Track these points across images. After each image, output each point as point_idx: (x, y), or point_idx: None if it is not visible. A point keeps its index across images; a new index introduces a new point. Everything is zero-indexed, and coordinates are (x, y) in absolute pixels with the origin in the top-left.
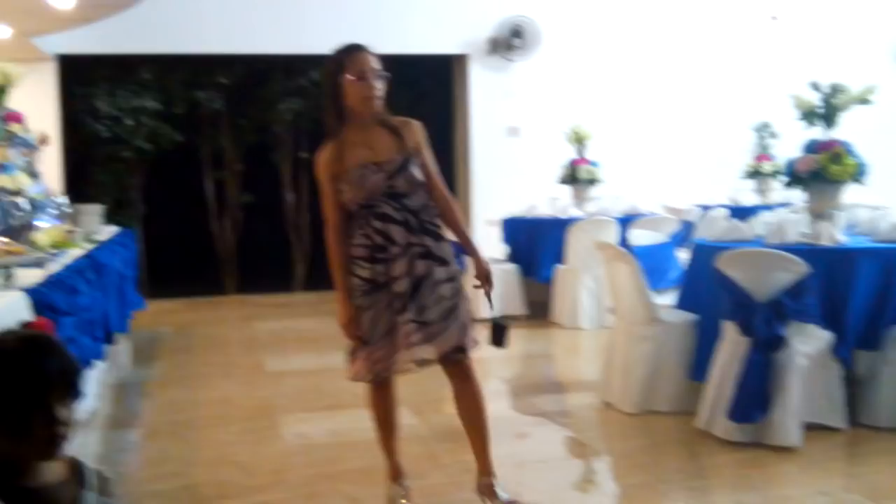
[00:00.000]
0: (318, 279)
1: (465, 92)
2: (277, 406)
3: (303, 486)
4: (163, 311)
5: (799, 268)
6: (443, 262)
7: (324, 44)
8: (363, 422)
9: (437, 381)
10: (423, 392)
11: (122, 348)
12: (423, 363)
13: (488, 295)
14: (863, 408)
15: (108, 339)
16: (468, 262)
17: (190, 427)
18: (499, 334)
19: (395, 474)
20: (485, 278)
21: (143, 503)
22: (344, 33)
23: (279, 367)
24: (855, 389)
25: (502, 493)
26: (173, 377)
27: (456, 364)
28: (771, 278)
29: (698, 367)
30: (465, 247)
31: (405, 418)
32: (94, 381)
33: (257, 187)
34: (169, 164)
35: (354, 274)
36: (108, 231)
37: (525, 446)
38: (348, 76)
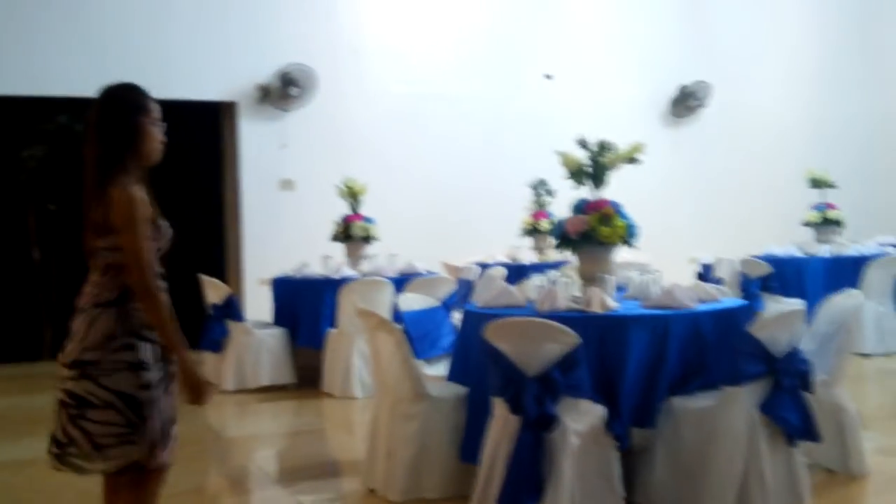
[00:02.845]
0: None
1: (235, 142)
2: None
3: None
4: None
5: (569, 339)
6: None
7: (74, 86)
8: None
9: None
10: None
11: None
12: None
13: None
14: (638, 486)
15: None
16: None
17: None
18: None
19: None
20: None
21: None
22: (99, 75)
23: None
24: (630, 466)
25: None
26: None
27: None
28: (540, 350)
29: (470, 447)
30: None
31: None
32: None
33: None
34: None
35: (150, 340)
36: None
37: None
38: (150, 119)
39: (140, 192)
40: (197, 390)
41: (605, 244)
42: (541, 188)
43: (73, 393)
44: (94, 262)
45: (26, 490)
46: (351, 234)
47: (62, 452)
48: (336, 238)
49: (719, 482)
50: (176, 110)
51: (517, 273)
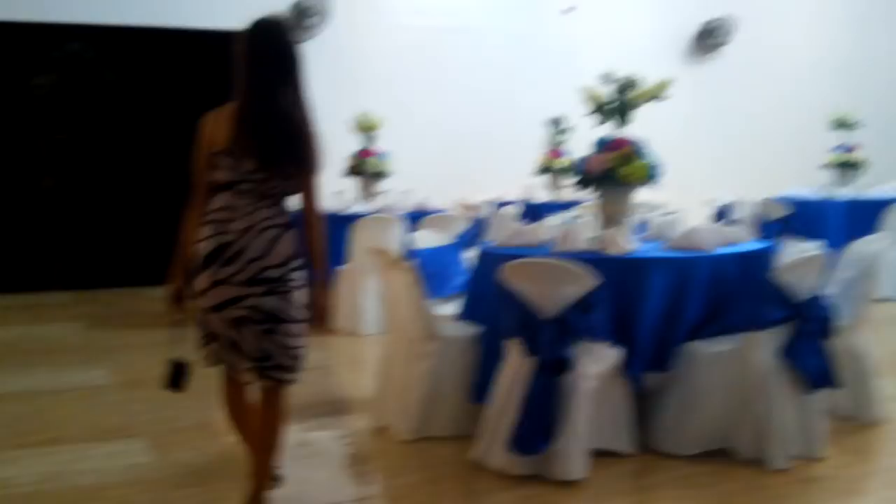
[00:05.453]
0: (78, 276)
1: None
2: None
3: None
4: None
5: (587, 280)
6: None
7: (85, 13)
8: (87, 461)
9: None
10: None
11: None
12: None
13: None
14: (651, 430)
15: None
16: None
17: None
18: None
19: None
20: None
21: None
22: (110, 1)
23: None
24: (644, 409)
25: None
26: None
27: None
28: (557, 292)
29: (481, 387)
30: None
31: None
32: None
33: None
34: None
35: None
36: None
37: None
38: None
39: None
40: (326, 314)
41: (626, 184)
42: (557, 126)
43: (260, 308)
44: (257, 189)
45: (34, 421)
46: (363, 169)
47: (259, 366)
48: (348, 173)
49: (735, 427)
50: (186, 39)
51: (531, 212)
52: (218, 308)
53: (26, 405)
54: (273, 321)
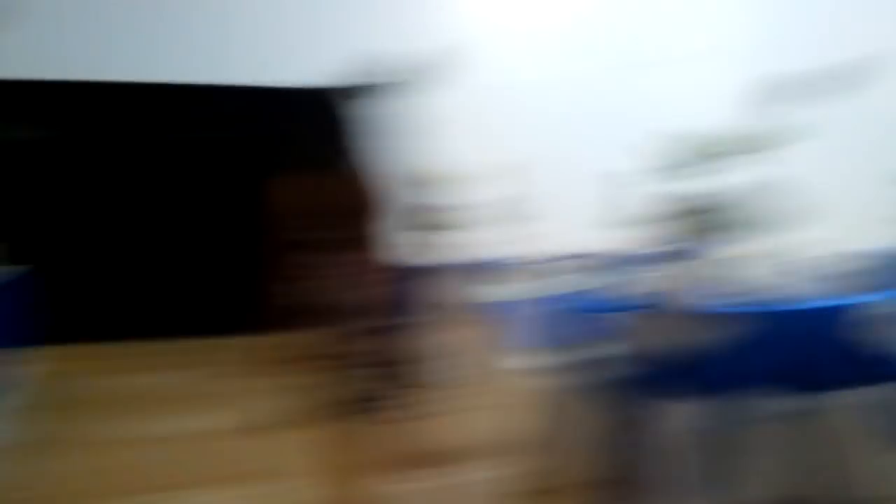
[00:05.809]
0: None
1: None
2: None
3: None
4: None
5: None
6: None
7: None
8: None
9: None
10: None
11: None
12: None
13: None
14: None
15: None
16: None
17: None
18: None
19: None
20: None
21: None
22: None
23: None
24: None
25: None
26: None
27: None
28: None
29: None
30: None
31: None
32: None
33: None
34: None
35: None
36: None
37: None
38: None
39: None
40: (409, 363)
41: (717, 234)
42: (622, 178)
43: (360, 351)
44: (330, 245)
45: (170, 464)
46: (428, 222)
47: (367, 403)
48: (413, 226)
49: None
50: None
51: (605, 264)
52: (323, 359)
53: (162, 450)
54: (377, 362)
